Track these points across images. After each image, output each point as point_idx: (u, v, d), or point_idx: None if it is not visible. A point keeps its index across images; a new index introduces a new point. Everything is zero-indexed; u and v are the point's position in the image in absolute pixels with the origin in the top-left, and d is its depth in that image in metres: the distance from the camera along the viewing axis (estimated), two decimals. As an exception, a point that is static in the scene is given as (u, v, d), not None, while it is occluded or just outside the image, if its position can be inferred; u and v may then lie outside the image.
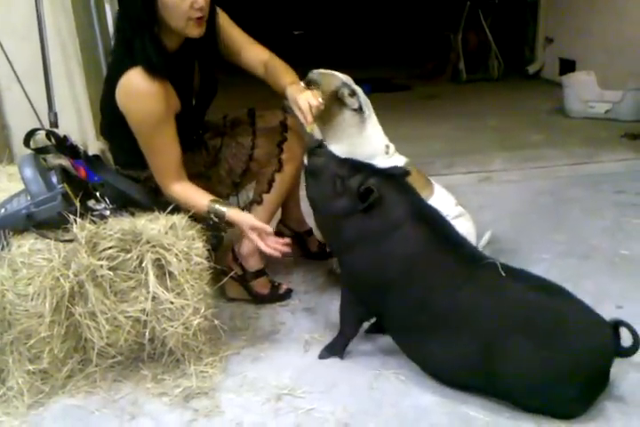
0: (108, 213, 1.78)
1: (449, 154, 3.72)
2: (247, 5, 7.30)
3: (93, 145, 2.71)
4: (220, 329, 1.83)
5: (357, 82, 2.14)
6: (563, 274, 2.21)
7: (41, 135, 2.00)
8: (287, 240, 1.90)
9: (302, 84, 2.05)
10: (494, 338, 1.56)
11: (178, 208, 1.87)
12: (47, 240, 1.69)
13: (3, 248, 1.69)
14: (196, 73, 2.04)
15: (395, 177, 1.78)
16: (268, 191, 2.13)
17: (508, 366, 1.54)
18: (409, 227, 1.70)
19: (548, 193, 3.16)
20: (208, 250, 1.83)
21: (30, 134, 1.99)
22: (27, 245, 1.69)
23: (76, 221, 1.69)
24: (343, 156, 1.91)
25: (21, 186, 1.78)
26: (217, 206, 1.87)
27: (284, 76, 2.02)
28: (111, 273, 1.69)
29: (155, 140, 1.87)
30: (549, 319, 1.55)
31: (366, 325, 1.93)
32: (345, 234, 1.75)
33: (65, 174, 1.78)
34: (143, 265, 1.71)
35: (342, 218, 1.75)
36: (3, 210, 1.74)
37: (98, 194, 1.81)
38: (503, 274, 1.61)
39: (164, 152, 1.89)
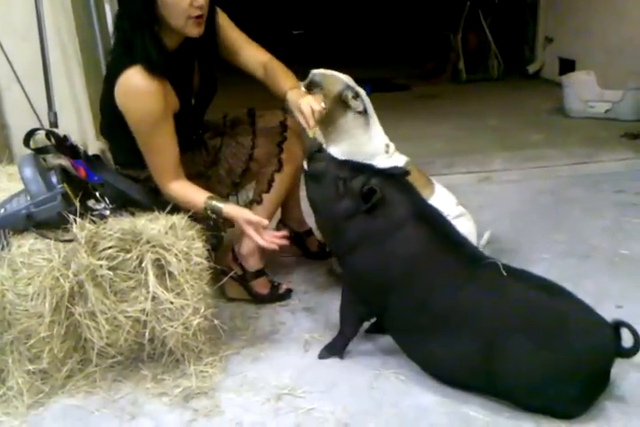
0: (107, 212, 1.78)
1: (449, 154, 3.72)
2: (247, 5, 7.31)
3: (93, 145, 2.71)
4: (219, 329, 1.83)
5: (357, 82, 2.14)
6: (563, 274, 2.21)
7: (41, 135, 2.00)
8: (284, 233, 1.91)
9: (303, 86, 2.06)
10: (495, 338, 1.56)
11: (177, 208, 1.87)
12: (47, 240, 1.69)
13: (3, 248, 1.69)
14: (196, 72, 2.04)
15: (396, 177, 1.78)
16: (267, 191, 2.13)
17: (508, 365, 1.54)
18: (411, 227, 1.70)
19: (548, 193, 3.16)
20: (208, 250, 1.83)
21: (30, 134, 1.99)
22: (27, 245, 1.69)
23: (75, 220, 1.68)
24: (345, 156, 1.91)
25: (21, 186, 1.78)
26: (214, 203, 1.87)
27: (283, 79, 2.03)
28: (111, 273, 1.69)
29: (153, 140, 1.87)
30: (550, 319, 1.55)
31: (366, 324, 1.93)
32: (347, 235, 1.75)
33: (65, 174, 1.78)
34: (143, 265, 1.71)
35: (345, 219, 1.75)
36: (2, 210, 1.74)
37: (98, 194, 1.81)
38: (504, 274, 1.61)
39: (162, 151, 1.89)
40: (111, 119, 1.93)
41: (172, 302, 1.73)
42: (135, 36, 1.78)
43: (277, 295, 2.22)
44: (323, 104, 1.93)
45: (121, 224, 1.73)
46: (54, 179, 1.75)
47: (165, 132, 1.87)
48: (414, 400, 1.67)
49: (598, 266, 2.36)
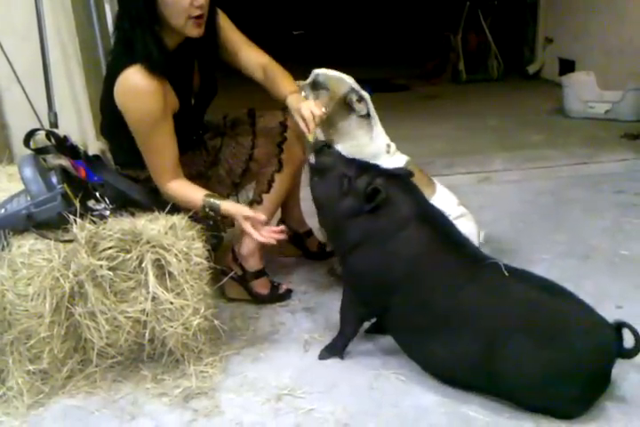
0: (107, 213, 1.78)
1: (449, 154, 3.72)
2: (247, 5, 7.32)
3: (93, 145, 2.71)
4: (219, 329, 1.83)
5: (358, 82, 2.14)
6: (563, 274, 2.21)
7: (41, 135, 2.00)
8: (282, 228, 1.91)
9: (308, 86, 2.05)
10: (496, 338, 1.56)
11: (177, 208, 1.87)
12: (47, 240, 1.69)
13: (3, 248, 1.69)
14: (196, 73, 2.04)
15: (400, 177, 1.78)
16: (267, 191, 2.13)
17: (509, 365, 1.54)
18: (413, 227, 1.70)
19: (548, 193, 3.16)
20: (208, 250, 1.83)
21: (30, 134, 1.99)
22: (27, 246, 1.69)
23: (75, 221, 1.68)
24: (348, 155, 1.91)
25: (21, 186, 1.78)
26: (212, 200, 1.87)
27: (283, 83, 2.03)
28: (111, 273, 1.69)
29: (152, 139, 1.87)
30: (551, 319, 1.55)
31: (366, 325, 1.93)
32: (350, 234, 1.75)
33: (65, 175, 1.78)
34: (143, 265, 1.71)
35: (347, 218, 1.75)
36: (3, 210, 1.74)
37: (98, 194, 1.81)
38: (506, 274, 1.61)
39: (161, 151, 1.89)
40: (111, 119, 1.93)
41: (171, 303, 1.73)
42: (136, 35, 1.78)
43: (277, 296, 2.22)
44: (323, 109, 1.94)
45: (121, 224, 1.73)
46: (54, 179, 1.75)
47: (165, 131, 1.87)
48: (414, 400, 1.67)
49: (598, 266, 2.36)
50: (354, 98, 2.07)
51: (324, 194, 1.82)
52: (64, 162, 1.89)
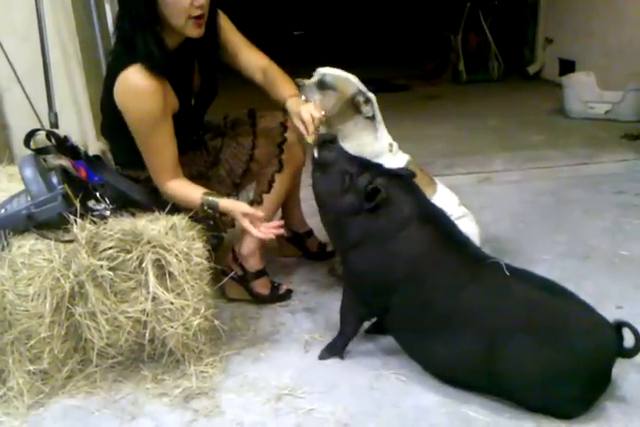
0: (108, 213, 1.78)
1: (449, 154, 3.72)
2: (247, 6, 7.32)
3: (94, 145, 2.71)
4: (220, 329, 1.83)
5: (362, 82, 2.14)
6: (563, 275, 2.21)
7: (41, 136, 2.00)
8: (280, 223, 1.91)
9: (315, 86, 2.05)
10: (497, 337, 1.56)
11: (178, 209, 1.87)
12: (47, 241, 1.69)
13: (3, 249, 1.69)
14: (196, 73, 2.04)
15: (402, 177, 1.78)
16: (268, 191, 2.13)
17: (510, 365, 1.55)
18: (414, 227, 1.70)
19: (549, 194, 3.16)
20: (208, 250, 1.83)
21: (31, 135, 1.99)
22: (27, 246, 1.69)
23: (76, 221, 1.68)
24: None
25: (22, 186, 1.78)
26: (210, 198, 1.87)
27: (282, 86, 2.04)
28: (111, 273, 1.69)
29: (152, 139, 1.87)
30: (552, 319, 1.55)
31: (366, 325, 1.93)
32: (350, 232, 1.76)
33: (65, 175, 1.78)
34: (143, 265, 1.71)
35: (348, 216, 1.75)
36: (3, 210, 1.74)
37: (98, 194, 1.81)
38: (507, 273, 1.61)
39: (161, 151, 1.89)
40: (112, 119, 1.93)
41: (172, 303, 1.73)
42: (136, 35, 1.79)
43: (278, 296, 2.22)
44: (323, 111, 1.96)
45: (121, 225, 1.73)
46: (55, 179, 1.75)
47: (164, 131, 1.87)
48: (415, 401, 1.67)
49: (598, 267, 2.36)
50: (361, 100, 2.08)
51: (325, 189, 1.82)
52: (64, 162, 1.89)
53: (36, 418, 1.68)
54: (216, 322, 1.82)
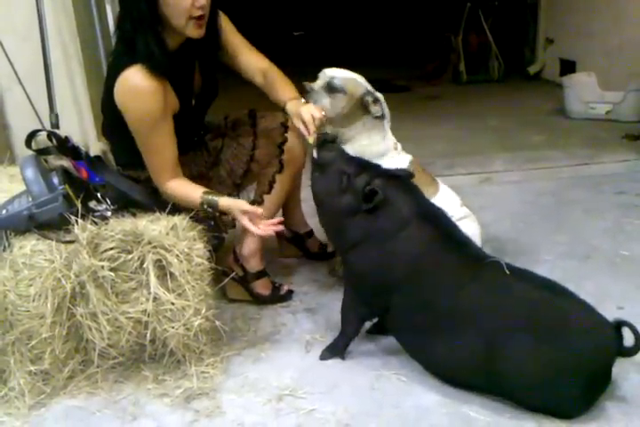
0: (109, 214, 1.78)
1: (450, 155, 3.72)
2: (247, 6, 7.32)
3: (95, 146, 2.71)
4: (220, 330, 1.83)
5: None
6: (564, 275, 2.21)
7: (42, 136, 2.00)
8: (279, 219, 1.92)
9: (322, 90, 2.05)
10: (497, 337, 1.56)
11: (179, 209, 1.87)
12: (49, 241, 1.70)
13: (4, 249, 1.70)
14: (197, 74, 2.04)
15: (400, 178, 1.78)
16: (268, 192, 2.13)
17: (510, 364, 1.55)
18: (414, 227, 1.70)
19: (549, 194, 3.16)
20: (209, 251, 1.83)
21: (32, 135, 1.99)
22: (28, 246, 1.69)
23: (77, 222, 1.69)
24: (358, 154, 1.92)
25: (23, 187, 1.78)
26: (210, 197, 1.87)
27: (282, 88, 2.06)
28: (112, 274, 1.69)
29: (152, 139, 1.87)
30: (552, 318, 1.55)
31: (367, 325, 1.93)
32: (350, 233, 1.76)
33: (66, 175, 1.79)
34: (144, 266, 1.71)
35: (347, 216, 1.75)
36: (4, 211, 1.74)
37: (99, 195, 1.82)
38: (508, 273, 1.61)
39: (161, 151, 1.89)
40: (112, 120, 1.93)
41: (173, 303, 1.73)
42: (137, 35, 1.79)
43: (278, 296, 2.22)
44: (323, 112, 1.96)
45: (122, 225, 1.73)
46: (56, 180, 1.75)
47: (164, 132, 1.87)
48: (415, 401, 1.67)
49: (599, 267, 2.36)
50: (369, 100, 2.08)
51: (323, 189, 1.82)
52: (65, 163, 1.89)
53: (37, 418, 1.68)
54: (217, 323, 1.82)
